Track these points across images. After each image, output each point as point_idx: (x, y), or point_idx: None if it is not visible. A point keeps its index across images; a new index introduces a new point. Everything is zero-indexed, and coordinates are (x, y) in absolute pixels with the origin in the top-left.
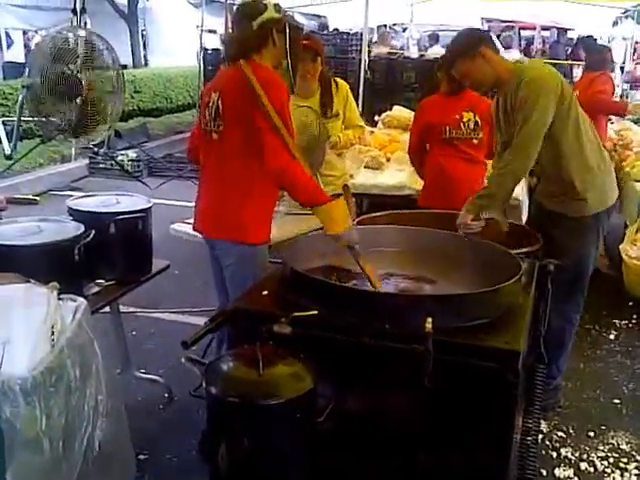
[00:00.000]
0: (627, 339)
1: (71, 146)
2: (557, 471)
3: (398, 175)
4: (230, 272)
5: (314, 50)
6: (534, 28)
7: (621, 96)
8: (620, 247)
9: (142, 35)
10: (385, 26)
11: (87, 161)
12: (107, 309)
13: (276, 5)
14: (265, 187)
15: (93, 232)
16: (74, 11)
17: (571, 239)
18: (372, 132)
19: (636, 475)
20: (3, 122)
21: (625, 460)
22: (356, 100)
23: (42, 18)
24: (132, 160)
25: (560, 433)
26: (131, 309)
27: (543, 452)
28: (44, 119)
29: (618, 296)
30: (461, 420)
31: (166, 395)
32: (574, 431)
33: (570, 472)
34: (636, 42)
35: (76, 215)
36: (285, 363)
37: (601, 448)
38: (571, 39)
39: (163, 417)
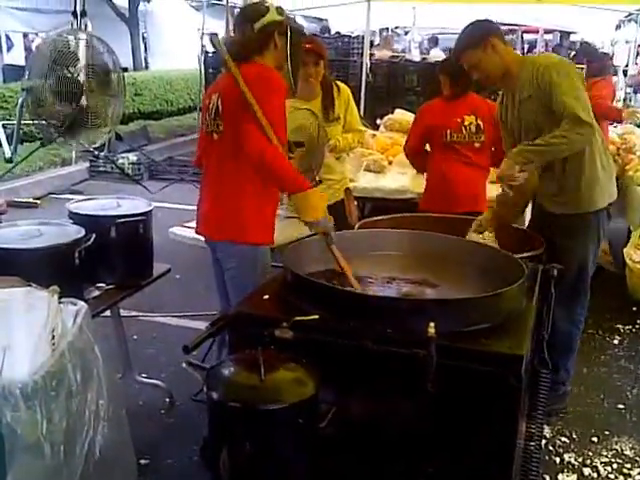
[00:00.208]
0: (631, 344)
1: (71, 149)
2: (560, 477)
3: (400, 179)
4: (231, 275)
5: (317, 53)
6: (537, 31)
7: (624, 100)
8: (624, 251)
9: (143, 38)
10: (387, 29)
11: (87, 164)
12: (108, 313)
13: (278, 8)
14: (264, 187)
15: (94, 236)
16: (74, 14)
17: (572, 238)
18: (374, 135)
19: None
20: (3, 125)
21: (629, 466)
22: (358, 103)
23: (42, 21)
24: (133, 163)
25: (563, 438)
26: (132, 313)
27: (546, 457)
28: (44, 122)
29: (622, 300)
30: (464, 425)
31: (167, 400)
32: (577, 436)
33: (573, 478)
34: (639, 45)
35: (76, 218)
36: (287, 368)
37: (605, 454)
38: (574, 42)
39: (164, 422)
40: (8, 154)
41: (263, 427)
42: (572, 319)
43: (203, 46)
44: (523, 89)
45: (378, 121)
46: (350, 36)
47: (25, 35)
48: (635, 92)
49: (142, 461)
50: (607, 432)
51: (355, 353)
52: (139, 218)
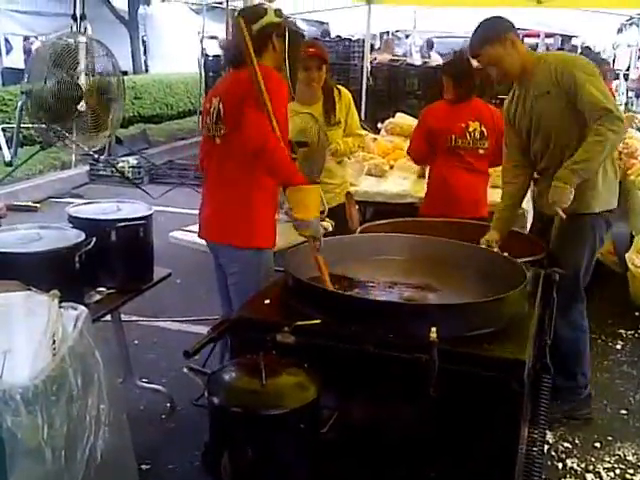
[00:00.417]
0: (634, 349)
1: (71, 153)
2: None
3: (401, 183)
4: (234, 280)
5: (320, 58)
6: (538, 35)
7: (626, 104)
8: (626, 256)
9: (142, 41)
10: (388, 33)
11: (87, 168)
12: (108, 318)
13: (277, 10)
14: (267, 190)
15: (94, 240)
16: (74, 17)
17: (565, 239)
18: (375, 139)
19: None
20: (3, 129)
21: (631, 471)
22: (358, 107)
23: (42, 24)
24: (133, 167)
25: (566, 444)
26: (133, 318)
27: (549, 463)
28: (44, 125)
29: (624, 306)
30: (466, 430)
31: (168, 405)
32: (580, 442)
33: None
34: None
35: (76, 222)
36: (288, 373)
37: (607, 459)
38: (575, 46)
39: (165, 427)
40: (8, 158)
41: (264, 432)
42: (573, 325)
43: (203, 49)
44: (539, 85)
45: (379, 125)
46: (351, 40)
47: (26, 38)
48: (637, 96)
49: (143, 466)
50: (610, 438)
51: (357, 358)
52: (139, 222)
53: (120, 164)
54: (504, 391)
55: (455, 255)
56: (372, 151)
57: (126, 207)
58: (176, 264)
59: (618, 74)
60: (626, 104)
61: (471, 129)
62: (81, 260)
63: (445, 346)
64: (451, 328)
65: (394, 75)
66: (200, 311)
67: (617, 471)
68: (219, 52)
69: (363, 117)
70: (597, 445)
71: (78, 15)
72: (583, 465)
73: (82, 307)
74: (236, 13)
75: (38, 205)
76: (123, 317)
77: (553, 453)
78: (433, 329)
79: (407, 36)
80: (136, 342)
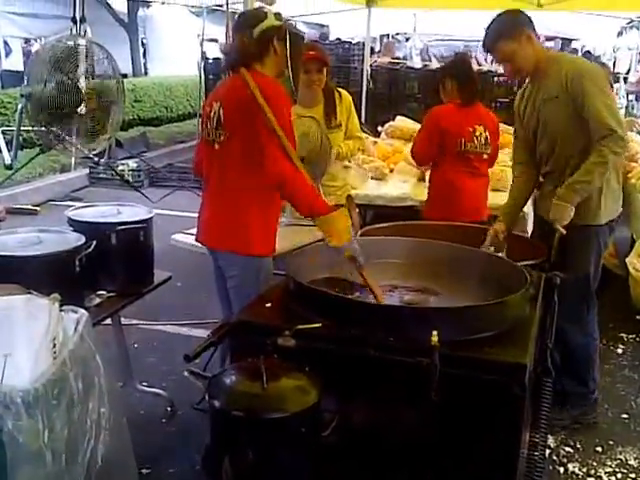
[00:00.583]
0: (635, 353)
1: (71, 156)
2: None
3: (402, 186)
4: (234, 284)
5: (320, 61)
6: (538, 38)
7: (626, 108)
8: (627, 261)
9: (142, 44)
10: (388, 36)
11: (87, 171)
12: (108, 321)
13: (277, 13)
14: (267, 197)
15: (94, 243)
16: (74, 20)
17: (571, 250)
18: (375, 143)
19: None
20: (3, 132)
21: (633, 476)
22: (359, 110)
23: (40, 26)
24: (133, 170)
25: (567, 448)
26: (133, 321)
27: (550, 467)
28: (44, 128)
29: (625, 309)
30: (467, 434)
31: (168, 408)
32: (582, 446)
33: None
34: None
35: (76, 225)
36: (289, 376)
37: (609, 463)
38: (575, 49)
39: (165, 431)
40: (8, 161)
41: (266, 436)
42: (585, 331)
43: (203, 52)
44: (549, 88)
45: (379, 128)
46: (351, 42)
47: (27, 40)
48: (637, 99)
49: (144, 470)
50: (611, 442)
51: (358, 361)
52: (140, 225)
53: (120, 167)
54: (505, 395)
55: (456, 258)
56: (372, 154)
57: (126, 210)
58: (176, 267)
59: (618, 77)
60: (626, 107)
61: (477, 133)
62: (81, 263)
63: (446, 350)
64: (452, 332)
65: (394, 78)
66: (200, 314)
67: (619, 475)
68: (219, 55)
69: (363, 120)
70: (599, 449)
71: (78, 18)
72: (585, 469)
73: (82, 311)
74: (236, 16)
75: (38, 208)
76: (123, 320)
77: (554, 457)
78: (434, 333)
79: (407, 39)
80: (136, 345)
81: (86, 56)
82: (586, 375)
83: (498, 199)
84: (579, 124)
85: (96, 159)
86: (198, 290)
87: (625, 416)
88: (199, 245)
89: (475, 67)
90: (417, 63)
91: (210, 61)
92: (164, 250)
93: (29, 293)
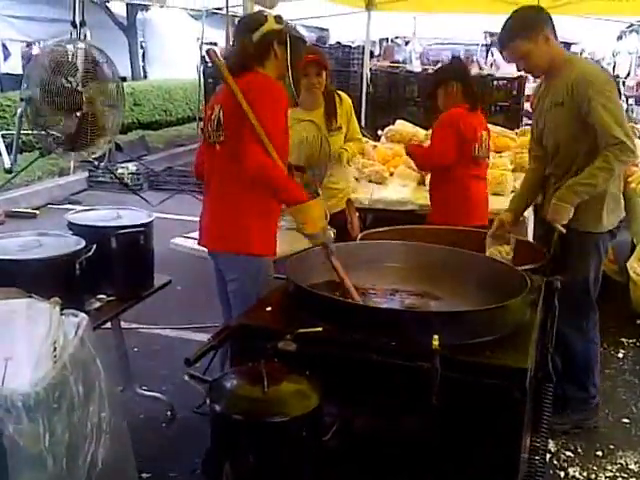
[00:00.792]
0: (635, 357)
1: (70, 159)
2: None
3: (401, 190)
4: (234, 287)
5: (320, 64)
6: (556, 37)
7: (626, 111)
8: (627, 265)
9: (141, 47)
10: (387, 39)
11: (86, 174)
12: (108, 325)
13: (277, 16)
14: (268, 199)
15: (95, 246)
16: (74, 23)
17: (571, 254)
18: (375, 147)
19: None
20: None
21: None
22: (358, 114)
23: (37, 29)
24: (132, 173)
25: (568, 452)
26: (133, 325)
27: (551, 472)
28: (44, 132)
29: (626, 314)
30: (468, 438)
31: (168, 412)
32: (582, 450)
33: None
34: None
35: (76, 229)
36: (290, 380)
37: (609, 468)
38: (575, 53)
39: (165, 435)
40: (8, 164)
41: (266, 440)
42: (586, 337)
43: (202, 56)
44: (557, 92)
45: (379, 132)
46: (350, 46)
47: (28, 44)
48: (637, 104)
49: (144, 475)
50: (612, 446)
51: (359, 365)
52: (140, 229)
53: (119, 171)
54: (506, 399)
55: (456, 263)
56: (372, 158)
57: (126, 214)
58: (176, 271)
59: (618, 81)
60: (626, 111)
61: (484, 138)
62: (81, 267)
63: (447, 354)
64: (453, 336)
65: (394, 82)
66: (200, 318)
67: (619, 479)
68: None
69: (363, 124)
70: (599, 454)
71: (78, 22)
72: (585, 474)
73: (83, 314)
74: (236, 20)
75: (36, 212)
76: (123, 324)
77: (555, 462)
78: (435, 337)
79: (407, 43)
80: (136, 349)
81: (86, 60)
82: (587, 380)
83: (498, 203)
84: (583, 130)
85: (96, 163)
86: (198, 294)
87: (626, 420)
88: (199, 249)
89: (477, 71)
90: (417, 67)
91: (209, 65)
92: (164, 254)
93: (30, 297)
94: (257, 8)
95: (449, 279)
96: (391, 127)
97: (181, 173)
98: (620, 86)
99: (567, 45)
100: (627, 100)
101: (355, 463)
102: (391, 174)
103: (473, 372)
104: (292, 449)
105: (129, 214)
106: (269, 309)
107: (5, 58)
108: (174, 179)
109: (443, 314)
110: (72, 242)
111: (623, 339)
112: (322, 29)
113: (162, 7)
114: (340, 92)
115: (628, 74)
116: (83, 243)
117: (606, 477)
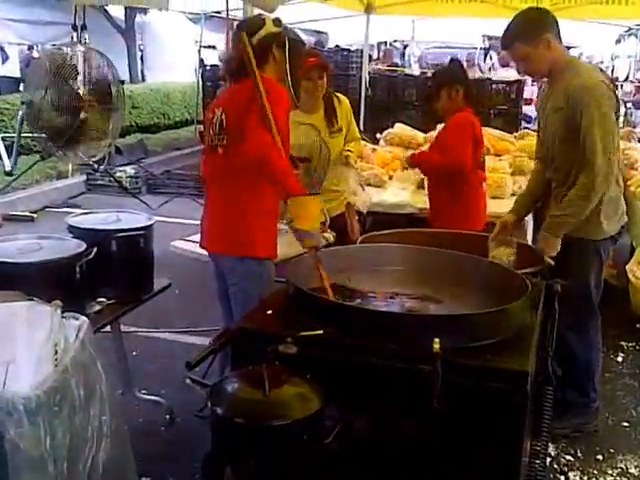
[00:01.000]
0: (635, 361)
1: (69, 162)
2: None
3: (400, 193)
4: (235, 290)
5: (322, 67)
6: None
7: (625, 115)
8: (627, 268)
9: (140, 50)
10: (386, 43)
11: (84, 177)
12: (108, 328)
13: (275, 19)
14: (267, 201)
15: (95, 250)
16: (74, 27)
17: (571, 261)
18: (374, 150)
19: None
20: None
21: None
22: (357, 118)
23: (35, 32)
24: (130, 177)
25: (568, 457)
26: (132, 329)
27: (551, 476)
28: (44, 135)
29: (625, 317)
30: (469, 441)
31: (168, 416)
32: (582, 454)
33: None
34: (639, 60)
35: (76, 232)
36: (291, 384)
37: (610, 472)
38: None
39: (165, 439)
40: (8, 167)
41: (268, 443)
42: (588, 342)
43: (201, 60)
44: (558, 97)
45: (378, 135)
46: (349, 50)
47: (29, 47)
48: (636, 108)
49: (143, 478)
50: (612, 450)
51: (360, 369)
52: (140, 232)
53: (118, 174)
54: (507, 402)
55: (456, 266)
56: (371, 161)
57: (126, 217)
58: (176, 274)
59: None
60: (625, 115)
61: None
62: (81, 270)
63: (448, 357)
64: (454, 339)
65: (392, 85)
66: (200, 321)
67: None
68: (217, 62)
69: (362, 127)
70: (599, 458)
71: (78, 25)
72: (585, 478)
73: (83, 317)
74: (235, 24)
75: (34, 215)
76: (122, 328)
77: (555, 466)
78: (436, 340)
79: (405, 46)
80: (135, 353)
81: (86, 63)
82: (587, 385)
83: (497, 207)
84: (576, 141)
85: (95, 166)
86: (198, 297)
87: (626, 424)
88: (199, 252)
89: (478, 74)
90: (415, 70)
91: (208, 68)
92: (163, 257)
93: (30, 300)
94: (257, 11)
95: (449, 282)
96: (390, 130)
97: (180, 176)
98: (619, 89)
99: (566, 49)
100: (625, 104)
101: (356, 466)
102: (390, 177)
103: (474, 375)
104: (293, 452)
105: (129, 217)
106: (270, 312)
107: (3, 61)
108: (173, 182)
109: (444, 317)
110: (72, 245)
111: (623, 343)
112: (321, 32)
113: (160, 10)
114: (338, 94)
115: (627, 77)
116: (83, 246)
117: None
